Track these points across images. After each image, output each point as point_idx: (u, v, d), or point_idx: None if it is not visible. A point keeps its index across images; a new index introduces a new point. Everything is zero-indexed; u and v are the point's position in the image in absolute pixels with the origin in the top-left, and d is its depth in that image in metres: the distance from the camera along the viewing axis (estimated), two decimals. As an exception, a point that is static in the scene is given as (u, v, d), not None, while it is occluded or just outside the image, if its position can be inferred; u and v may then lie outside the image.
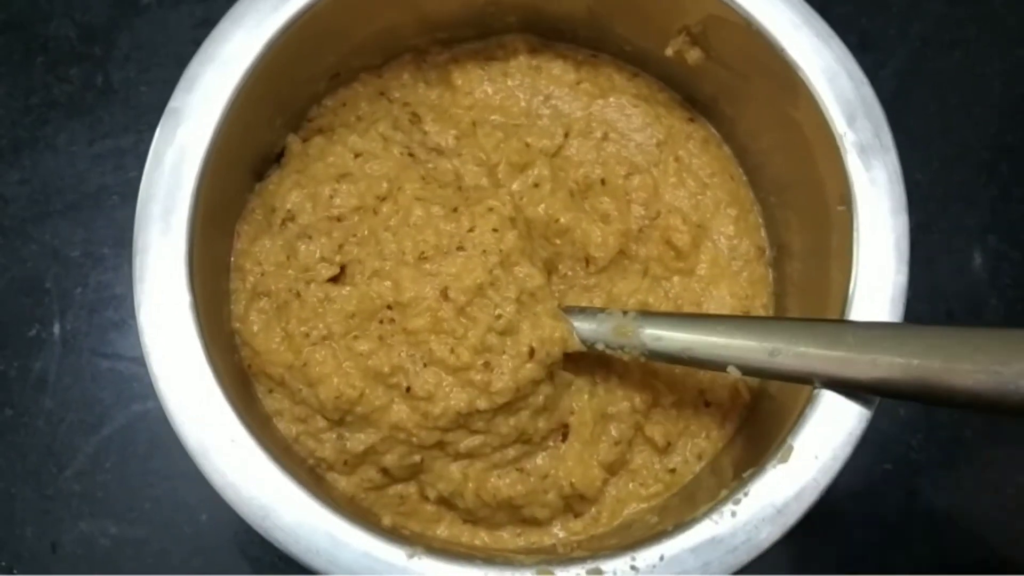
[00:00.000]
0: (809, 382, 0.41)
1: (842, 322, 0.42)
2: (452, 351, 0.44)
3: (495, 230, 0.45)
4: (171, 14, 0.65)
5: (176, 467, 0.58)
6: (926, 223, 0.64)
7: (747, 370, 0.42)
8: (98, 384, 0.59)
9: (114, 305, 0.60)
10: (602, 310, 0.46)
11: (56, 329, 0.60)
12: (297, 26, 0.45)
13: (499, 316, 0.44)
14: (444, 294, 0.44)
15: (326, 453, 0.45)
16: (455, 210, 0.46)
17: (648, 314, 0.45)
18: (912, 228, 0.44)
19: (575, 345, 0.45)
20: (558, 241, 0.49)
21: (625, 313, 0.45)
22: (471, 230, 0.45)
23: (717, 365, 0.42)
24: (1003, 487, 0.60)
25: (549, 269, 0.49)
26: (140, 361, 0.59)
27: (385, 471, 0.46)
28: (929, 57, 0.67)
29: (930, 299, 0.63)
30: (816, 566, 0.58)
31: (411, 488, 0.47)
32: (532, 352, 0.44)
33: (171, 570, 0.57)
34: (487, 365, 0.44)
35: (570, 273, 0.50)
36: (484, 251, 0.45)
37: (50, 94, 0.63)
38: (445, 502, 0.46)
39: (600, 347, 0.45)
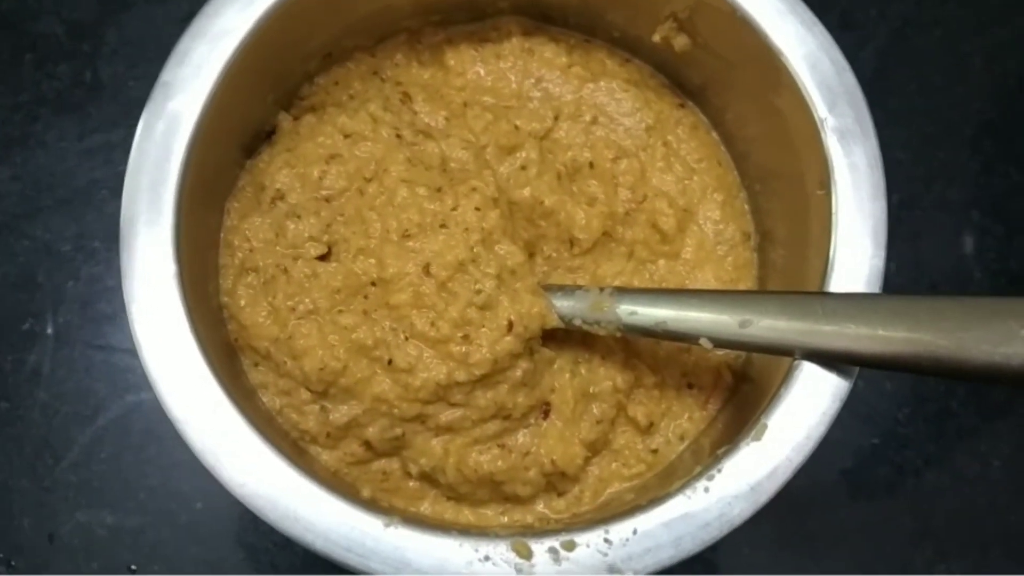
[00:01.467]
0: (787, 353, 0.42)
1: (812, 293, 0.43)
2: (432, 324, 0.44)
3: (477, 209, 0.46)
4: (158, 9, 0.65)
5: (171, 456, 0.58)
6: (909, 200, 0.65)
7: (719, 342, 0.42)
8: (92, 376, 0.60)
9: (106, 298, 0.61)
10: (580, 287, 0.47)
11: (49, 323, 0.60)
12: (290, 3, 0.45)
13: (479, 291, 0.45)
14: (426, 270, 0.45)
15: (309, 425, 0.46)
16: (439, 190, 0.47)
17: (624, 290, 0.46)
18: (896, 205, 0.45)
19: (553, 320, 0.46)
20: (543, 223, 0.50)
21: (602, 290, 0.46)
22: (454, 209, 0.46)
23: (690, 338, 0.43)
24: (990, 459, 0.60)
25: (532, 250, 0.49)
26: (133, 352, 0.59)
27: (368, 445, 0.46)
28: (910, 36, 0.68)
29: (915, 275, 0.64)
30: (804, 540, 0.59)
31: (394, 464, 0.47)
32: (510, 326, 0.45)
33: (168, 558, 0.57)
34: (466, 338, 0.44)
35: (555, 255, 0.50)
36: (466, 229, 0.45)
37: (39, 91, 0.64)
38: (427, 478, 0.47)
39: (577, 323, 0.46)
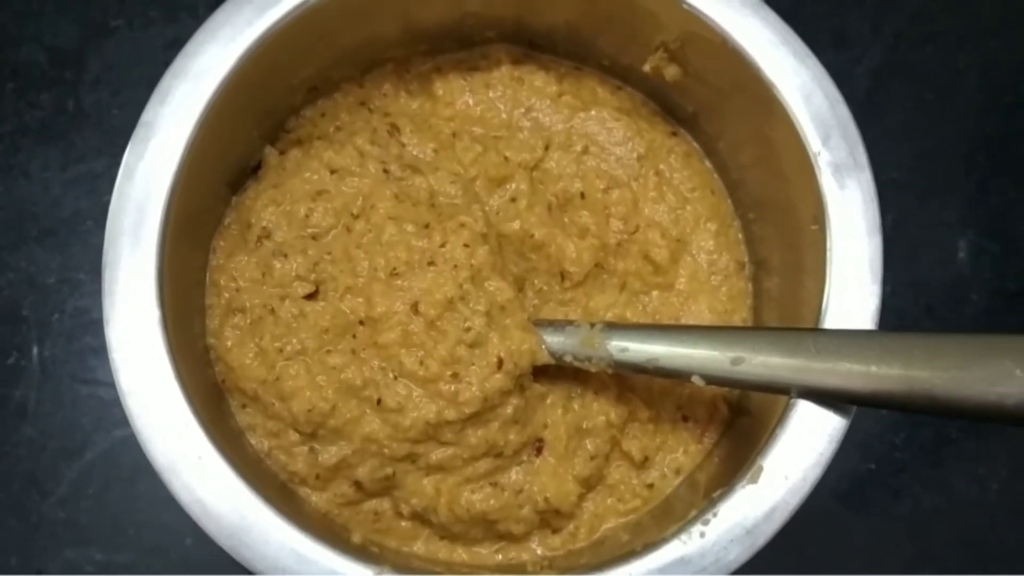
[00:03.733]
0: (782, 391, 0.41)
1: (804, 330, 0.42)
2: (421, 363, 0.44)
3: (466, 245, 0.45)
4: (141, 36, 0.64)
5: (160, 492, 0.56)
6: (905, 218, 0.64)
7: (711, 379, 0.42)
8: (79, 410, 0.59)
9: (92, 331, 0.60)
10: (571, 323, 0.46)
11: (35, 356, 0.60)
12: (273, 38, 0.44)
13: (468, 329, 0.44)
14: (415, 308, 0.44)
15: (298, 467, 0.46)
16: (427, 227, 0.46)
17: (614, 326, 0.45)
18: (890, 225, 0.44)
19: (543, 357, 0.45)
20: (533, 256, 0.49)
21: (592, 325, 0.45)
22: (443, 245, 0.45)
23: (682, 374, 0.42)
24: (988, 482, 0.60)
25: (522, 284, 0.49)
26: (121, 386, 0.59)
27: (358, 485, 0.46)
28: (903, 52, 0.67)
29: (910, 294, 0.63)
30: (803, 567, 0.58)
31: (385, 504, 0.47)
32: (500, 363, 0.44)
33: (157, 595, 0.57)
34: (456, 376, 0.44)
35: (546, 288, 0.50)
36: (455, 266, 0.45)
37: (21, 120, 0.63)
38: (419, 518, 0.47)
39: (568, 359, 0.45)
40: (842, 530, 0.59)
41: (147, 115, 0.43)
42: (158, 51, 0.64)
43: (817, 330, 0.42)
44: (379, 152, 0.48)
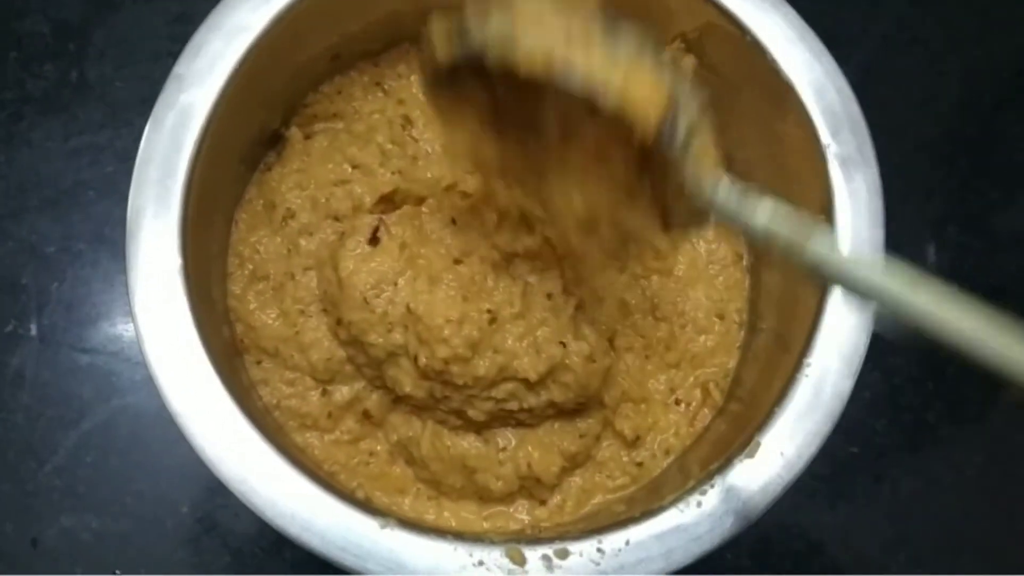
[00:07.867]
0: None
1: None
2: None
3: (549, 296, 0.46)
4: (146, 10, 0.65)
5: (157, 461, 0.58)
6: (888, 216, 0.66)
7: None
8: (77, 379, 0.59)
9: (92, 300, 0.60)
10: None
11: (33, 325, 0.60)
12: (306, 2, 0.45)
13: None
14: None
15: (311, 409, 0.47)
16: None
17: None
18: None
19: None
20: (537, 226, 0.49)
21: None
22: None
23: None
24: (964, 468, 0.62)
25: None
26: (119, 356, 0.60)
27: (366, 415, 0.47)
28: (890, 54, 0.69)
29: (893, 289, 0.65)
30: (783, 549, 0.60)
31: (378, 445, 0.48)
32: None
33: (154, 563, 0.57)
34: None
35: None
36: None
37: (24, 90, 0.63)
38: (404, 452, 0.48)
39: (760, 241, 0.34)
40: (824, 511, 0.61)
41: (179, 68, 0.43)
42: (163, 26, 0.64)
43: None
44: (399, 152, 0.50)
